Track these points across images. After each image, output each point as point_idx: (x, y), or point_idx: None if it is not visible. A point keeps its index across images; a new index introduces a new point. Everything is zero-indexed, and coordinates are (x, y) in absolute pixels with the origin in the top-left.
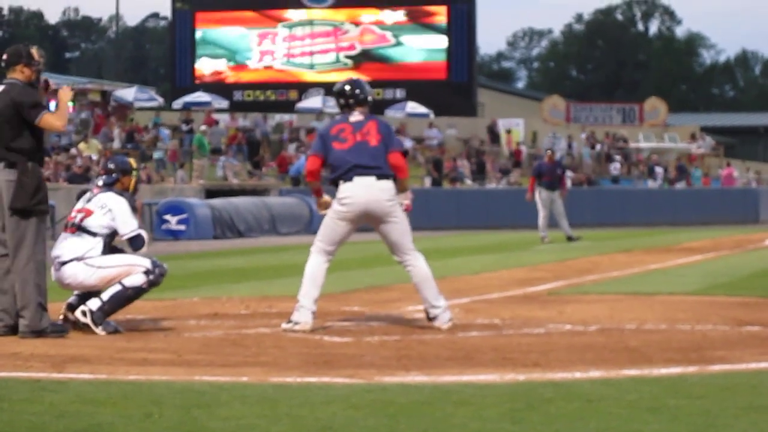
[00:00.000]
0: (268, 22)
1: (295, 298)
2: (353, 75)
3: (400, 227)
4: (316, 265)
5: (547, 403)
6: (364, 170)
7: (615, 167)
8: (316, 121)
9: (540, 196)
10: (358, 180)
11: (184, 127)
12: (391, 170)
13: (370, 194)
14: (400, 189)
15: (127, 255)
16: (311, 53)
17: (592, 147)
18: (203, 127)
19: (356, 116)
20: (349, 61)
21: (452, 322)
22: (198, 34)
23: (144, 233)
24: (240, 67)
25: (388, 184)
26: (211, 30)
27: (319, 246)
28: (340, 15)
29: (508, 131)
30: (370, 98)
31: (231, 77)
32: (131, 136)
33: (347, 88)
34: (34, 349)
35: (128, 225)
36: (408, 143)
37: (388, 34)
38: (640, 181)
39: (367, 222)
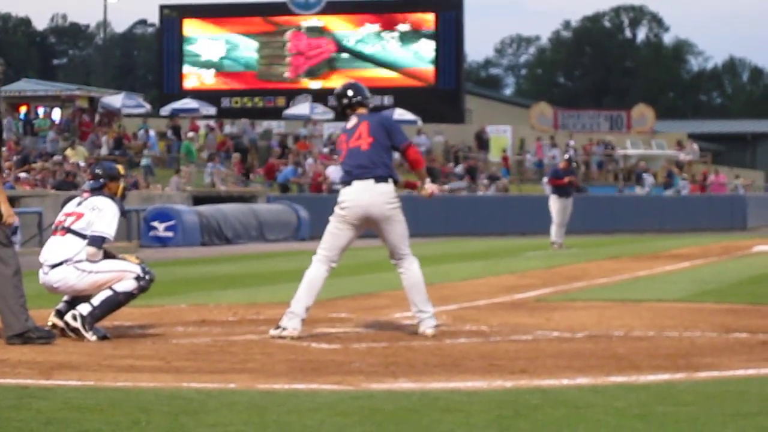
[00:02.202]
0: (256, 29)
1: (284, 304)
2: (347, 80)
3: (398, 230)
4: (315, 273)
5: (535, 410)
6: (361, 173)
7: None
8: (304, 128)
9: (556, 203)
10: (357, 184)
11: (170, 134)
12: (389, 171)
13: (370, 197)
14: (420, 178)
15: (119, 261)
16: (298, 60)
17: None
18: (191, 134)
19: (352, 121)
20: (337, 67)
21: (437, 329)
22: (185, 42)
23: (108, 241)
24: (227, 74)
25: (387, 188)
26: (198, 37)
27: (322, 254)
28: (328, 22)
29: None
30: (368, 100)
31: (218, 84)
32: (119, 143)
33: (342, 91)
34: (21, 355)
35: (105, 226)
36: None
37: (376, 41)
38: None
39: (368, 226)
